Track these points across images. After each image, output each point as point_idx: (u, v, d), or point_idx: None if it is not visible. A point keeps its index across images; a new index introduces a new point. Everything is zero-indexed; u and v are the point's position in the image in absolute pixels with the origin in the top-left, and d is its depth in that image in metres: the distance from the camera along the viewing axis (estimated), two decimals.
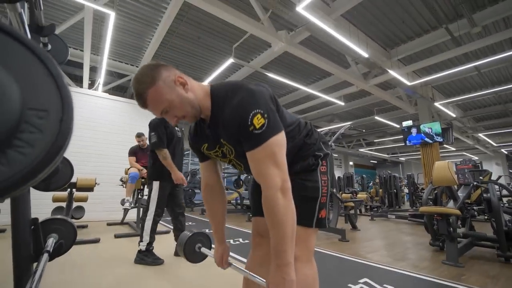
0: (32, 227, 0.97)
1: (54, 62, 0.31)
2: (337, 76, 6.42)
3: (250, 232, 1.11)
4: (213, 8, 3.74)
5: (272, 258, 0.77)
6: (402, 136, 8.93)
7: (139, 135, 3.76)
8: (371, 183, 12.70)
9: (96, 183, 3.62)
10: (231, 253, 2.67)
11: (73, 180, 3.41)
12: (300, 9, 3.11)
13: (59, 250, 1.03)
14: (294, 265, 0.84)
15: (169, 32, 5.21)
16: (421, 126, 7.93)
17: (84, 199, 3.99)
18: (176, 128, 2.52)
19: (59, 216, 1.18)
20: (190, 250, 1.17)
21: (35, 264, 0.94)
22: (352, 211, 4.74)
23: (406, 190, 11.58)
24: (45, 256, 0.90)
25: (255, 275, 0.89)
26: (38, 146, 0.29)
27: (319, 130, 4.13)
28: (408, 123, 8.62)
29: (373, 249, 3.09)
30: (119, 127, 5.41)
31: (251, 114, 0.74)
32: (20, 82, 0.29)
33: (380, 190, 8.86)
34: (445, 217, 2.43)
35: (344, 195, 4.80)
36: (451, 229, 2.41)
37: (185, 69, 6.94)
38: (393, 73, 5.37)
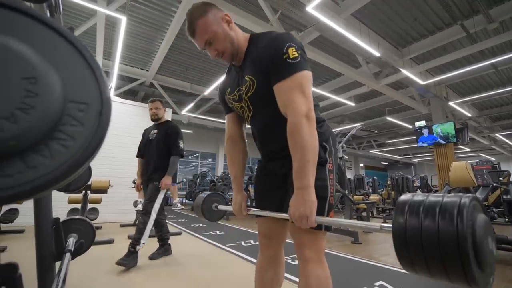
0: (54, 226, 0.98)
1: (92, 55, 0.31)
2: (347, 76, 6.35)
3: None
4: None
5: (294, 182, 0.79)
6: (414, 137, 8.73)
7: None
8: (384, 186, 12.44)
9: (109, 185, 3.68)
10: (242, 254, 2.66)
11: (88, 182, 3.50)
12: (310, 9, 3.09)
13: (79, 249, 1.05)
14: (306, 267, 0.85)
15: (179, 36, 5.29)
16: (434, 127, 7.72)
17: (98, 201, 4.06)
18: (152, 132, 2.57)
19: (78, 216, 1.20)
20: (208, 208, 1.22)
21: (57, 264, 0.96)
22: (364, 213, 4.65)
23: (419, 192, 11.28)
24: (68, 255, 0.91)
25: (274, 213, 0.92)
26: (79, 139, 0.29)
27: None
28: (421, 123, 8.42)
29: (386, 252, 3.01)
30: (131, 130, 5.50)
31: (287, 45, 0.80)
32: (62, 74, 0.29)
33: (392, 192, 8.68)
34: None
35: (355, 197, 4.72)
36: None
37: (195, 72, 7.02)
38: (405, 72, 5.27)
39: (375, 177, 11.36)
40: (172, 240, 2.75)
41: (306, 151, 0.76)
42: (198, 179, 8.81)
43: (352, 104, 7.44)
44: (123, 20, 3.45)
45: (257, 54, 0.87)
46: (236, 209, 1.07)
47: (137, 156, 2.63)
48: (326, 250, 2.95)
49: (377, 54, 4.45)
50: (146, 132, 2.63)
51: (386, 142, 14.29)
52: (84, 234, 1.18)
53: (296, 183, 0.78)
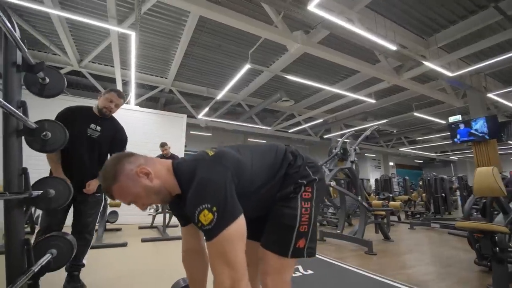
0: (25, 247, 1.04)
1: None
2: (365, 73, 5.98)
3: None
4: (226, 18, 3.77)
5: None
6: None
7: (163, 145, 3.96)
8: (417, 186, 11.55)
9: None
10: None
11: None
12: (312, 7, 2.95)
13: (47, 267, 1.09)
14: None
15: (191, 43, 5.41)
16: (471, 121, 6.95)
17: (118, 205, 4.32)
18: (91, 126, 1.83)
19: (56, 233, 1.26)
20: None
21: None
22: (383, 219, 4.34)
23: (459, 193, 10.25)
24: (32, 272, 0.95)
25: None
26: None
27: (352, 129, 3.89)
28: (456, 118, 7.63)
29: (403, 265, 2.77)
30: (150, 137, 5.78)
31: (197, 212, 0.72)
32: None
33: (423, 195, 7.98)
34: (490, 235, 2.05)
35: (374, 201, 4.41)
36: (498, 249, 2.03)
37: (209, 76, 7.15)
38: (429, 64, 4.80)
39: (406, 177, 10.60)
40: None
41: None
42: None
43: (372, 101, 6.99)
44: (132, 35, 3.64)
45: (187, 206, 0.77)
46: None
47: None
48: (334, 262, 2.82)
49: (394, 47, 4.11)
50: (79, 122, 1.78)
51: (418, 138, 13.24)
52: (63, 250, 1.23)
53: None
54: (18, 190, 1.01)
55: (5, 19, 1.04)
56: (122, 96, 1.95)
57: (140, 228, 4.65)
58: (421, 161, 19.87)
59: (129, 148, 5.79)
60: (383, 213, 4.07)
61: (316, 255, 3.08)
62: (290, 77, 5.70)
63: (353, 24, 3.86)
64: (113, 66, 5.18)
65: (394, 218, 6.81)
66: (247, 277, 0.74)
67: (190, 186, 0.77)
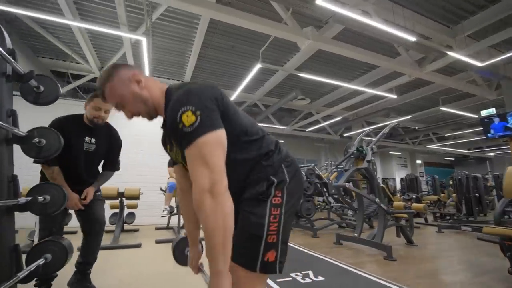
0: (14, 253, 1.06)
1: None
2: (385, 67, 5.66)
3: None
4: (236, 19, 3.73)
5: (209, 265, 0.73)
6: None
7: None
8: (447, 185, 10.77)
9: (140, 193, 4.02)
10: None
11: (122, 190, 3.86)
12: (320, 1, 2.81)
13: (36, 272, 1.11)
14: None
15: (204, 45, 5.47)
16: (507, 115, 6.30)
17: (134, 206, 4.46)
18: (86, 139, 1.78)
19: (52, 238, 1.29)
20: (179, 253, 1.20)
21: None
22: (406, 222, 4.06)
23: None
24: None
25: None
26: None
27: (371, 127, 3.68)
28: (489, 111, 6.97)
29: (425, 273, 2.54)
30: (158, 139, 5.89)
31: (180, 111, 0.73)
32: None
33: (454, 195, 7.39)
34: None
35: (395, 203, 4.14)
36: None
37: (223, 77, 7.19)
38: (454, 55, 4.41)
39: (435, 175, 9.90)
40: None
41: (211, 232, 0.69)
42: None
43: (394, 96, 6.59)
44: (143, 41, 3.76)
45: (166, 122, 0.83)
46: (190, 264, 1.07)
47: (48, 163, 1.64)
48: (349, 267, 2.66)
49: (413, 39, 3.82)
50: (73, 136, 1.70)
51: (449, 134, 12.33)
52: (57, 254, 1.25)
53: (210, 268, 0.71)
54: (7, 197, 1.04)
55: None
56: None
57: (157, 229, 4.77)
58: (453, 159, 18.51)
59: (146, 150, 5.88)
60: (405, 216, 3.80)
61: (330, 260, 2.96)
62: (304, 75, 5.54)
63: (369, 16, 3.65)
64: None
65: (421, 220, 6.38)
66: (226, 182, 0.72)
67: (168, 110, 0.79)
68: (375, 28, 3.63)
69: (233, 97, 7.14)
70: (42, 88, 1.29)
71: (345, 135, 11.13)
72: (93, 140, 1.79)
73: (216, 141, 0.73)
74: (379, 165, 14.49)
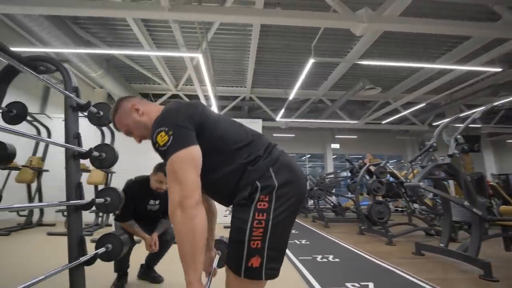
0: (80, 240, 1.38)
1: None
2: (480, 36, 4.44)
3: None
4: (282, 19, 3.67)
5: None
6: None
7: None
8: None
9: None
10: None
11: None
12: None
13: (103, 257, 1.42)
14: None
15: (260, 50, 5.62)
16: None
17: None
18: (150, 202, 2.07)
19: (112, 232, 1.61)
20: None
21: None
22: None
23: None
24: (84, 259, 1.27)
25: None
26: None
27: (478, 109, 2.96)
28: None
29: None
30: None
31: (155, 132, 0.80)
32: None
33: None
34: None
35: (503, 207, 3.17)
36: None
37: (282, 77, 7.21)
38: None
39: None
40: None
41: (181, 244, 0.74)
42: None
43: (497, 69, 5.04)
44: (199, 57, 4.29)
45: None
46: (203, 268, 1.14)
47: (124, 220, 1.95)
48: (425, 284, 2.26)
49: None
50: (140, 200, 2.02)
51: None
52: (115, 245, 1.56)
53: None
54: (75, 198, 1.36)
55: (67, 78, 1.45)
56: (161, 170, 2.00)
57: None
58: None
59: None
60: None
61: (401, 273, 2.53)
62: (367, 63, 4.94)
63: None
64: (205, 85, 5.93)
65: None
66: (198, 197, 0.75)
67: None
68: None
69: (291, 97, 6.96)
70: (102, 113, 1.64)
71: (434, 124, 9.23)
72: (156, 202, 2.08)
73: (187, 158, 0.77)
74: (491, 157, 11.46)
